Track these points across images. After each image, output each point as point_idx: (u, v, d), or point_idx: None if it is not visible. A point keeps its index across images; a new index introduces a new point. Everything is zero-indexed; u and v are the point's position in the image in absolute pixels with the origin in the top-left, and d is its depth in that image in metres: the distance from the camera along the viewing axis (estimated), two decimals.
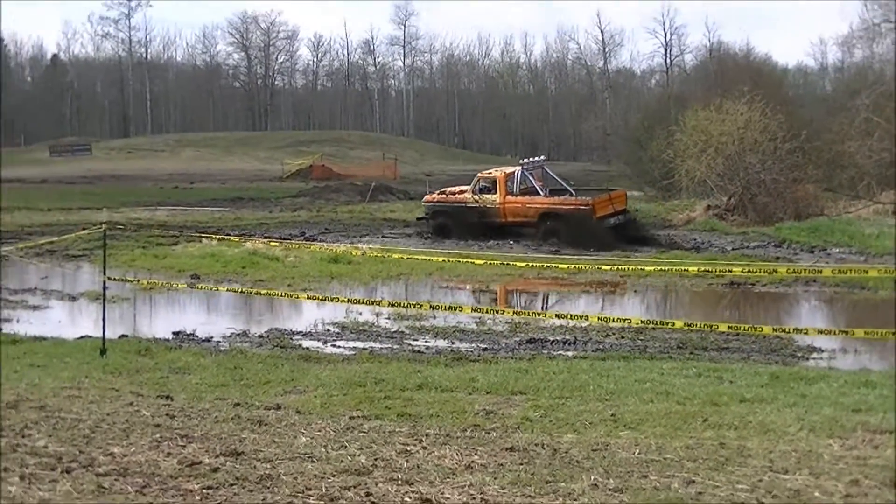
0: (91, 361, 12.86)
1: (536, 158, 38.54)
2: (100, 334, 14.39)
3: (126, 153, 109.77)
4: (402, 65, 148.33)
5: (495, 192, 35.29)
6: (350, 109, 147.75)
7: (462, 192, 36.79)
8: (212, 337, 16.86)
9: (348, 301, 18.85)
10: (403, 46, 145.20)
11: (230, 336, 17.06)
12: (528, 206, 35.21)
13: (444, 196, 37.20)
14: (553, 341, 16.33)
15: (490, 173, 36.76)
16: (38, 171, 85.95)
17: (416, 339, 16.73)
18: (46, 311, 20.38)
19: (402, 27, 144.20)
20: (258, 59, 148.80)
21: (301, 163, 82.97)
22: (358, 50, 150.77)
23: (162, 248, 29.77)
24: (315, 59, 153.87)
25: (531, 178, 36.07)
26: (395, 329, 17.67)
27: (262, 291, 19.38)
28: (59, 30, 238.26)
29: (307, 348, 15.64)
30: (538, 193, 35.56)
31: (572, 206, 34.64)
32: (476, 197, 35.50)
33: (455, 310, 18.25)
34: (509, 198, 35.22)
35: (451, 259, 23.53)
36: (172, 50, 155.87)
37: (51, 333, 16.34)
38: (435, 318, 18.50)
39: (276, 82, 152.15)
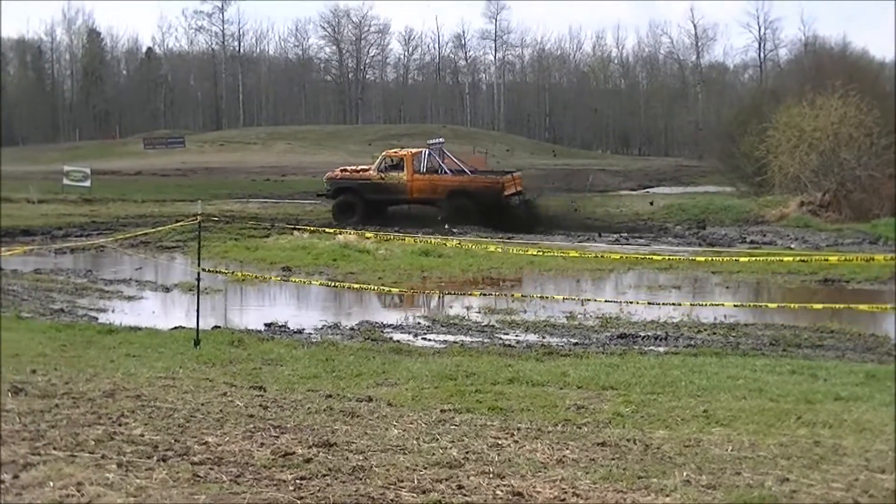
0: (185, 352, 13.01)
1: (439, 140, 40.32)
2: (193, 325, 14.57)
3: (218, 146, 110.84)
4: (492, 59, 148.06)
5: (402, 170, 36.34)
6: (440, 103, 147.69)
7: (365, 169, 37.73)
8: (303, 329, 16.98)
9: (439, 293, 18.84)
10: (494, 40, 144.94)
11: (321, 328, 17.17)
12: (436, 183, 36.52)
13: (348, 173, 37.86)
14: (644, 337, 16.21)
15: (396, 152, 38.14)
16: (133, 163, 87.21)
17: (507, 333, 16.70)
18: (141, 301, 20.67)
19: (494, 21, 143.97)
20: (350, 52, 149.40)
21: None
22: (449, 44, 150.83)
23: (254, 240, 30.08)
24: (406, 53, 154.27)
25: (437, 158, 37.75)
26: (485, 323, 17.65)
27: (354, 285, 19.43)
28: (154, 24, 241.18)
29: (398, 341, 15.69)
30: (445, 173, 37.21)
31: (482, 184, 36.45)
32: (382, 174, 36.38)
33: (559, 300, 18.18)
34: (417, 175, 36.40)
35: (544, 252, 23.43)
36: (265, 43, 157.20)
37: (146, 324, 16.58)
38: (525, 312, 18.46)
39: (367, 76, 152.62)
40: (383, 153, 38.69)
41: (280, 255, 26.68)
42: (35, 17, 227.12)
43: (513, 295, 20.58)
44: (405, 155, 37.37)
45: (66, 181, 51.57)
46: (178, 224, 24.44)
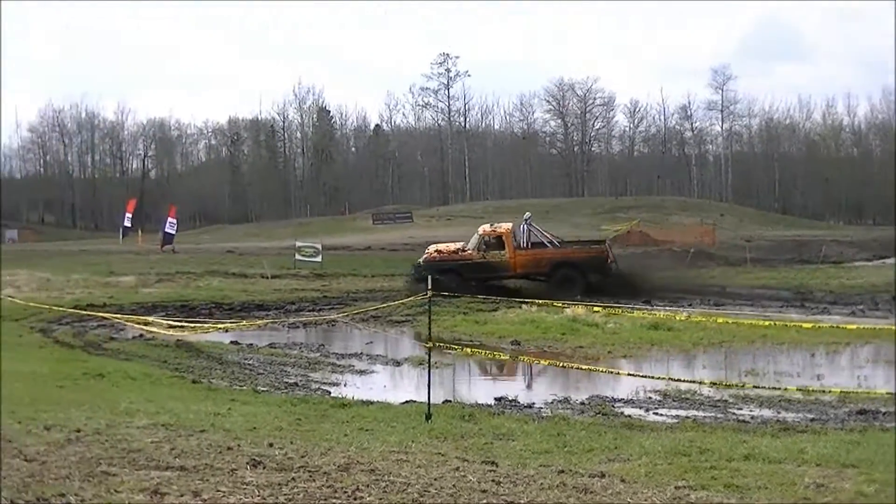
0: (417, 426, 13.07)
1: (528, 215, 40.08)
2: (424, 399, 14.65)
3: (445, 220, 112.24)
4: (719, 129, 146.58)
5: (503, 248, 36.93)
6: (667, 175, 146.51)
7: (463, 249, 38.00)
8: (533, 403, 16.90)
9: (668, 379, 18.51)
10: (721, 111, 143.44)
11: (551, 402, 17.05)
12: (539, 257, 37.53)
13: (448, 254, 38.03)
14: (885, 413, 15.54)
15: (494, 230, 38.49)
16: (362, 238, 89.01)
17: (740, 408, 16.26)
18: (372, 375, 20.93)
19: (720, 92, 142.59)
20: (575, 125, 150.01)
21: (618, 228, 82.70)
22: (675, 115, 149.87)
23: (482, 313, 30.20)
24: (631, 125, 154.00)
25: (538, 232, 39.05)
26: (717, 397, 17.25)
27: (584, 367, 19.20)
28: (381, 101, 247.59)
29: (629, 416, 15.44)
30: (546, 246, 38.23)
31: (587, 254, 37.94)
32: (483, 254, 36.82)
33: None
34: (519, 252, 37.18)
35: (775, 323, 22.81)
36: (490, 118, 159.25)
37: (377, 397, 16.76)
38: (758, 386, 17.97)
39: (592, 148, 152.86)
40: (480, 231, 39.01)
41: (509, 329, 26.71)
42: (268, 98, 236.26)
43: (746, 371, 20.10)
44: (503, 232, 38.13)
45: (298, 256, 52.97)
46: (409, 299, 24.78)
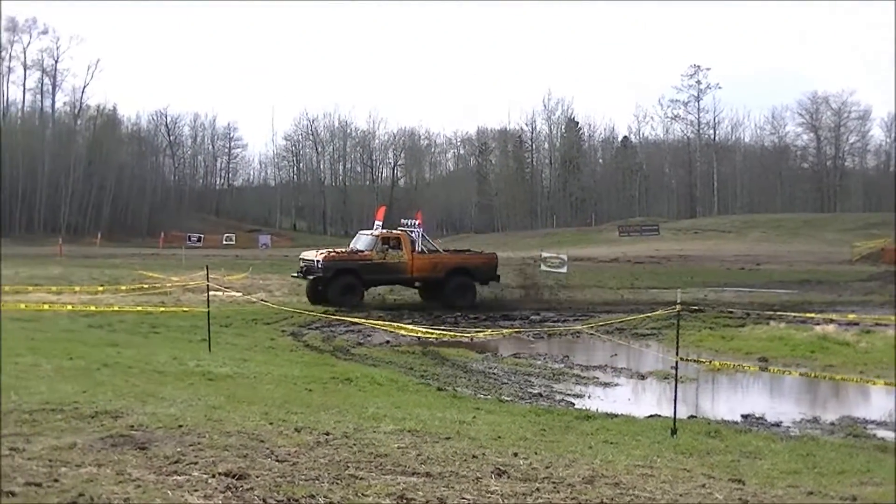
0: (662, 441, 12.94)
1: (414, 221, 38.94)
2: (669, 413, 14.51)
3: (692, 234, 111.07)
4: None
5: (401, 249, 36.52)
6: None
7: (356, 252, 37.24)
8: (781, 422, 16.53)
9: None
10: None
11: (799, 421, 16.65)
12: (436, 262, 37.55)
13: (346, 254, 37.23)
14: None
15: (390, 232, 37.94)
16: (608, 250, 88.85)
17: None
18: (616, 388, 20.81)
19: None
20: (828, 139, 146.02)
21: (872, 245, 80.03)
22: None
23: (729, 329, 29.67)
24: (889, 140, 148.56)
25: (429, 240, 39.18)
26: None
27: (836, 377, 18.68)
28: (630, 113, 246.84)
29: (882, 438, 14.92)
30: (439, 252, 38.61)
31: (480, 261, 38.78)
32: (382, 254, 36.28)
33: None
34: (417, 255, 36.92)
35: None
36: (740, 131, 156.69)
37: (621, 410, 16.67)
38: None
39: (846, 163, 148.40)
40: (377, 234, 38.22)
41: (756, 346, 26.15)
42: (516, 109, 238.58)
43: None
44: (400, 234, 37.77)
45: (543, 267, 53.10)
46: (656, 314, 24.55)
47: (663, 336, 28.09)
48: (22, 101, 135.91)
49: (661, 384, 20.55)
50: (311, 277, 36.32)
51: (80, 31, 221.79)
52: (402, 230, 38.39)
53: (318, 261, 36.20)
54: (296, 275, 38.26)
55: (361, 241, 38.35)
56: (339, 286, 35.55)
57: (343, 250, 38.29)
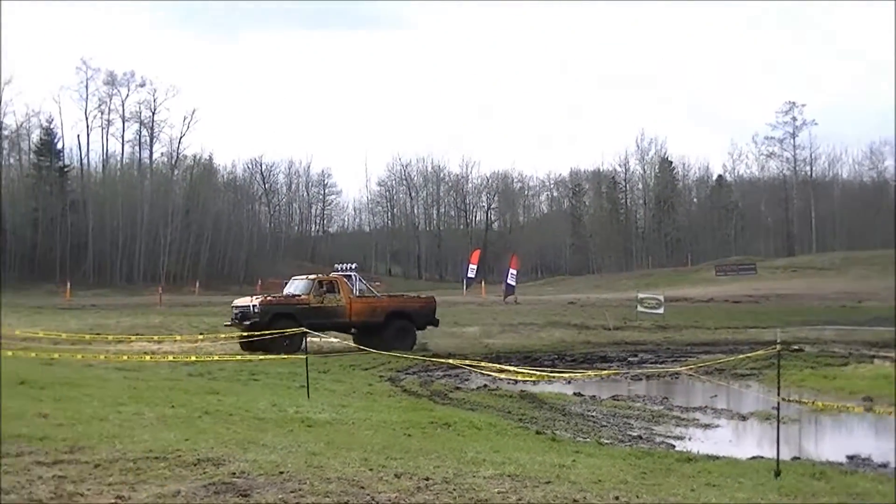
0: (765, 483, 12.73)
1: (350, 265, 39.29)
2: (771, 455, 14.29)
3: (790, 272, 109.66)
4: None
5: (338, 293, 35.93)
6: None
7: (293, 296, 36.52)
8: (888, 462, 16.19)
9: None
10: None
11: None
12: (374, 305, 37.06)
13: (283, 298, 36.48)
14: None
15: (326, 276, 37.58)
16: (704, 290, 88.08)
17: None
18: (717, 429, 20.55)
19: None
20: None
21: None
22: None
23: (831, 368, 29.20)
24: None
25: (366, 283, 39.01)
26: None
27: None
28: (724, 151, 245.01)
29: None
30: (376, 295, 38.42)
31: (419, 304, 38.23)
32: (319, 298, 35.54)
33: None
34: (354, 298, 36.34)
35: None
36: (838, 167, 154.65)
37: (723, 452, 16.45)
38: None
39: None
40: (312, 277, 37.75)
41: (860, 385, 25.66)
42: (610, 150, 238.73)
43: None
44: (337, 277, 37.40)
45: (640, 308, 52.87)
46: (755, 354, 24.24)
47: (763, 376, 27.70)
48: (121, 153, 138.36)
49: (763, 425, 20.24)
50: (246, 323, 34.97)
51: (176, 82, 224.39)
52: (338, 274, 38.32)
53: (254, 305, 35.53)
54: (228, 324, 37.45)
55: (297, 285, 37.79)
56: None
57: (279, 295, 37.80)
